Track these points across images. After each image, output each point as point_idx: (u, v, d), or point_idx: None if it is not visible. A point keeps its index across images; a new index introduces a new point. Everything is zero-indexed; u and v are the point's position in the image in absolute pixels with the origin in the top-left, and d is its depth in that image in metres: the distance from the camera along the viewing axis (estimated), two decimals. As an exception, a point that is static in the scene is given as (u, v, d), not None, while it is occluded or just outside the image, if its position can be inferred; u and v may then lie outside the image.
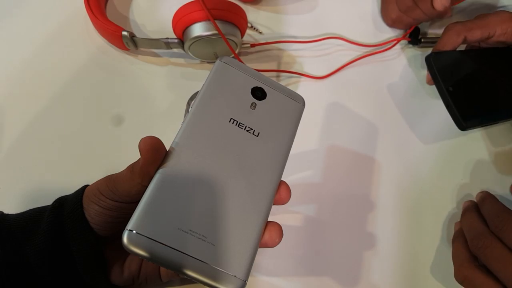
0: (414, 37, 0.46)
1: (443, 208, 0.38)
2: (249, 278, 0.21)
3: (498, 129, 0.42)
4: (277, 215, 0.34)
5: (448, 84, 0.36)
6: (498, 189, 0.39)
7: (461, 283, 0.30)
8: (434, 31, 0.47)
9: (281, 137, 0.25)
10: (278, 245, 0.23)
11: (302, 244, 0.35)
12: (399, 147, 0.40)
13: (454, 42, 0.38)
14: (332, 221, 0.36)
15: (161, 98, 0.41)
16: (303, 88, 0.43)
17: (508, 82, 0.39)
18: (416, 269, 0.35)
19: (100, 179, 0.26)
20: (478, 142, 0.41)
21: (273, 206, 0.24)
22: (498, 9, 0.46)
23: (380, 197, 0.38)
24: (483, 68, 0.39)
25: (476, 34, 0.38)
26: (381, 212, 0.37)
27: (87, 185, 0.27)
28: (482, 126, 0.40)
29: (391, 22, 0.46)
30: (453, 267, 0.32)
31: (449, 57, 0.38)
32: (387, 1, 0.45)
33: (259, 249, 0.22)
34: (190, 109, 0.24)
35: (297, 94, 0.27)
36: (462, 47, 0.43)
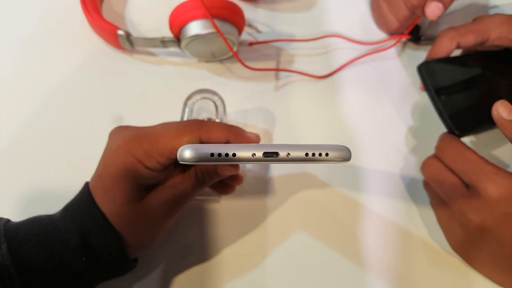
0: (415, 35, 0.45)
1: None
2: None
3: (493, 131, 0.41)
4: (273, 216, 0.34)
5: (440, 93, 0.36)
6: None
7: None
8: (434, 30, 0.47)
9: None
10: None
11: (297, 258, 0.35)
12: (398, 147, 0.40)
13: (447, 48, 0.37)
14: (329, 224, 0.36)
15: (158, 97, 0.40)
16: (302, 87, 0.42)
17: (503, 86, 0.38)
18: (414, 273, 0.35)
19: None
20: (475, 145, 0.41)
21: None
22: (492, 10, 0.45)
23: (377, 199, 0.37)
24: (477, 73, 0.38)
25: (469, 39, 0.37)
26: (379, 214, 0.37)
27: (87, 182, 0.28)
28: (476, 133, 0.39)
29: (392, 32, 0.46)
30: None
31: (441, 64, 0.38)
32: (383, 14, 0.44)
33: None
34: None
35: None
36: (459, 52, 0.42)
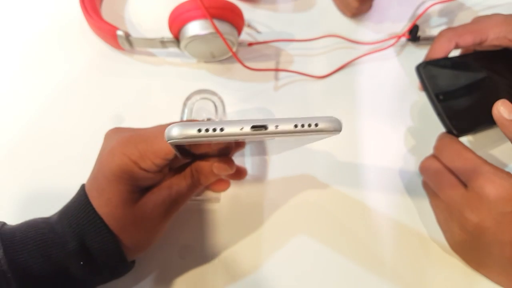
0: (413, 35, 0.45)
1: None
2: None
3: (492, 131, 0.41)
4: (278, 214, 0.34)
5: (438, 93, 0.36)
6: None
7: None
8: (433, 30, 0.47)
9: None
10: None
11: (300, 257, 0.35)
12: (397, 147, 0.40)
13: (446, 48, 0.38)
14: (329, 224, 0.36)
15: (158, 98, 0.40)
16: (302, 87, 0.42)
17: (502, 85, 0.38)
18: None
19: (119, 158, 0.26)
20: (473, 145, 0.41)
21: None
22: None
23: (376, 199, 0.37)
24: (475, 73, 0.38)
25: (467, 40, 0.37)
26: (378, 214, 0.37)
27: (83, 184, 0.28)
28: (474, 133, 0.39)
29: (353, 13, 0.46)
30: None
31: (439, 64, 0.38)
32: None
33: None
34: None
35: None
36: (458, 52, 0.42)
